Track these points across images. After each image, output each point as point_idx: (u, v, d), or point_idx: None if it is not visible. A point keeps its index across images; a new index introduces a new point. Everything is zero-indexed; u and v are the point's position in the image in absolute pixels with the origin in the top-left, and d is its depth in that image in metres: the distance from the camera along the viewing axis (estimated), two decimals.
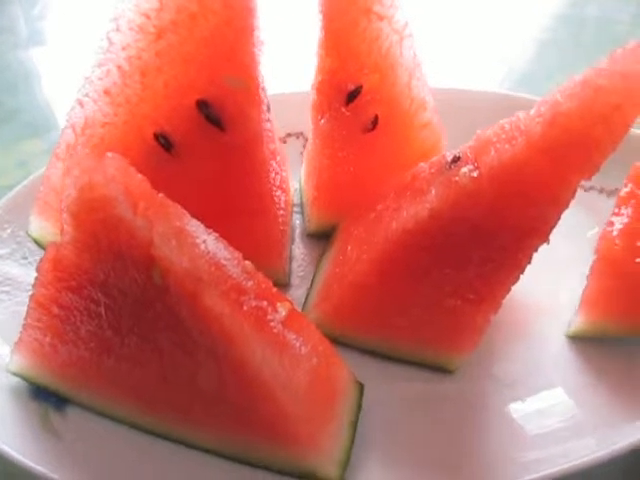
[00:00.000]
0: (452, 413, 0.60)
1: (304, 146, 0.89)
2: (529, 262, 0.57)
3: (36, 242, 0.71)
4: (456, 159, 0.59)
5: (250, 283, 0.55)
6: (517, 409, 0.60)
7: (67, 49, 1.42)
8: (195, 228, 0.54)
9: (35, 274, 0.58)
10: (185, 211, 0.54)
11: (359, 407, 0.59)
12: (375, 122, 0.75)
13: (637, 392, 0.60)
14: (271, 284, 0.59)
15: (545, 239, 0.55)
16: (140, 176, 0.52)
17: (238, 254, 0.57)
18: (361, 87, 0.72)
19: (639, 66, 0.47)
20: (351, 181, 0.77)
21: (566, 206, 0.53)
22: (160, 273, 0.50)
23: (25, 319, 0.59)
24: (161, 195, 0.53)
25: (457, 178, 0.56)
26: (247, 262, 0.58)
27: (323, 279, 0.72)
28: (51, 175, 0.69)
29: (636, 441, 0.53)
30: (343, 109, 0.73)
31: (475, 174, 0.55)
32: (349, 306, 0.66)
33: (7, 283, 0.72)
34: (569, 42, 1.33)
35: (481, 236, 0.57)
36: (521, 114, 0.55)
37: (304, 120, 0.80)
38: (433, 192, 0.59)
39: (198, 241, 0.53)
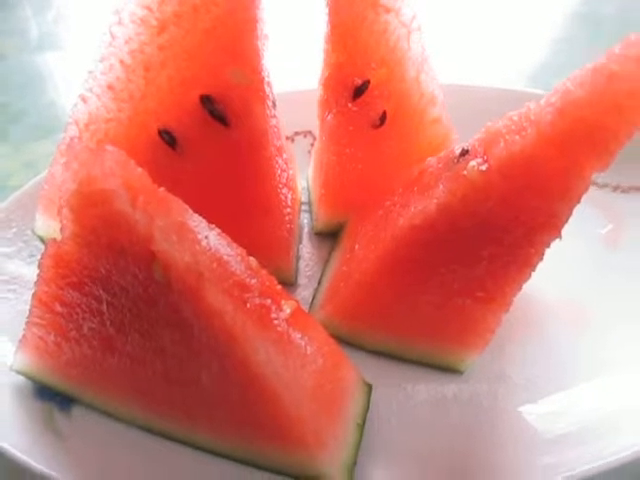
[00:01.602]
0: (462, 415, 0.59)
1: (312, 144, 0.88)
2: (541, 259, 0.56)
3: (42, 240, 0.70)
4: (464, 152, 0.57)
5: (254, 280, 0.54)
6: (530, 411, 0.59)
7: (78, 52, 1.42)
8: (197, 223, 0.53)
9: None
10: (187, 206, 0.53)
11: (366, 408, 0.57)
12: (383, 118, 0.73)
13: None
14: (275, 282, 0.58)
15: (557, 234, 0.54)
16: (140, 169, 0.50)
17: (242, 250, 0.56)
18: (368, 82, 0.71)
19: None
20: (359, 178, 0.76)
21: (579, 199, 0.51)
22: (161, 269, 0.48)
23: (28, 317, 0.58)
24: (162, 189, 0.51)
25: (466, 172, 0.54)
26: (251, 258, 0.56)
27: (330, 278, 0.71)
28: (55, 172, 0.68)
29: None
30: (350, 104, 0.72)
31: (484, 167, 0.53)
32: (356, 305, 0.65)
33: (14, 282, 0.71)
34: (583, 40, 1.32)
35: (491, 231, 0.55)
36: (531, 104, 0.53)
37: (312, 118, 0.79)
38: (441, 187, 0.57)
39: (200, 236, 0.52)
